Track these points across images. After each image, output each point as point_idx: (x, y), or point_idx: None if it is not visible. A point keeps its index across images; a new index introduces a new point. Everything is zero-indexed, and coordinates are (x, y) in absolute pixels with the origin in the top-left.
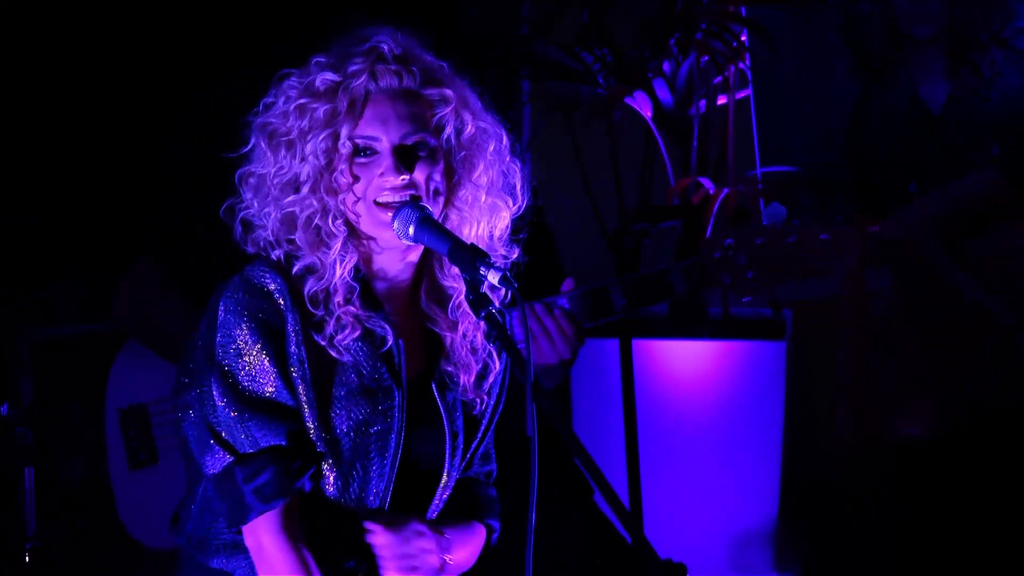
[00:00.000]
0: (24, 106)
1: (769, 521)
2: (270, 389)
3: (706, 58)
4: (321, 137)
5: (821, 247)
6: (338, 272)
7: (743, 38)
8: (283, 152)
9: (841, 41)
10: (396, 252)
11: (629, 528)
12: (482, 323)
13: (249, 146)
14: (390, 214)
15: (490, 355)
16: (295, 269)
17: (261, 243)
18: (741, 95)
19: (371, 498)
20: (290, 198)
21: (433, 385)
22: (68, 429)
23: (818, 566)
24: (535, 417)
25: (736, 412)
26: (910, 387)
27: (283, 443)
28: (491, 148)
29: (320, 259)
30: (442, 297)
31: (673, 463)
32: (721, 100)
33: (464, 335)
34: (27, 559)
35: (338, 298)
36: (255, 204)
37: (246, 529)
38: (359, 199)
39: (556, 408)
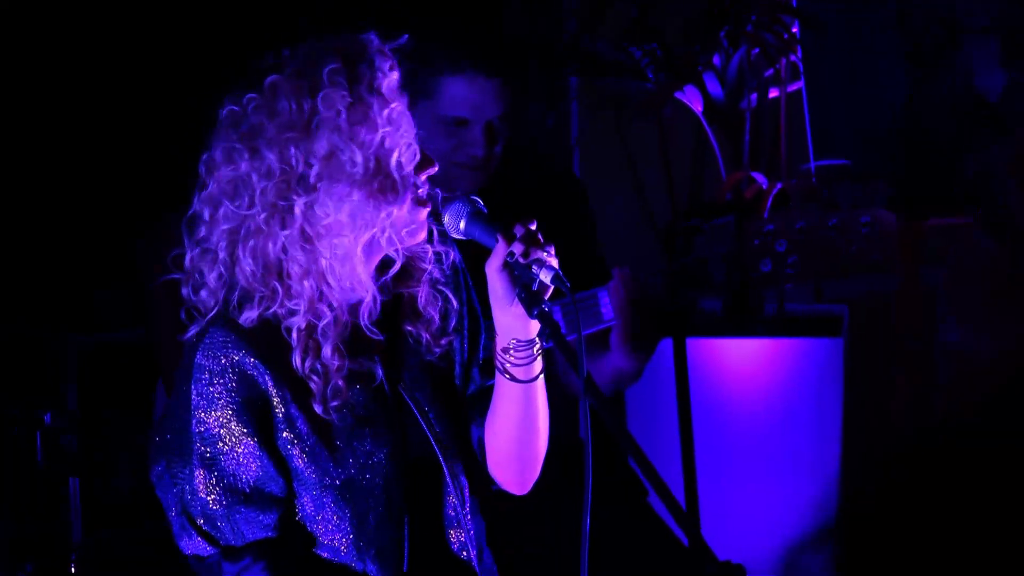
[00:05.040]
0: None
1: (829, 523)
2: (256, 473)
3: (757, 51)
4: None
5: (862, 231)
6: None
7: (794, 30)
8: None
9: (894, 32)
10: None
11: (686, 529)
12: (436, 259)
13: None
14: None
15: (447, 298)
16: (283, 324)
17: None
18: (793, 88)
19: (390, 525)
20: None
21: (403, 391)
22: (115, 437)
23: (880, 569)
24: (588, 417)
25: (793, 411)
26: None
27: (270, 535)
28: None
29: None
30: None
31: (729, 463)
32: (773, 93)
33: (432, 283)
34: (72, 569)
35: (327, 352)
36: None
37: None
38: None
39: (610, 408)
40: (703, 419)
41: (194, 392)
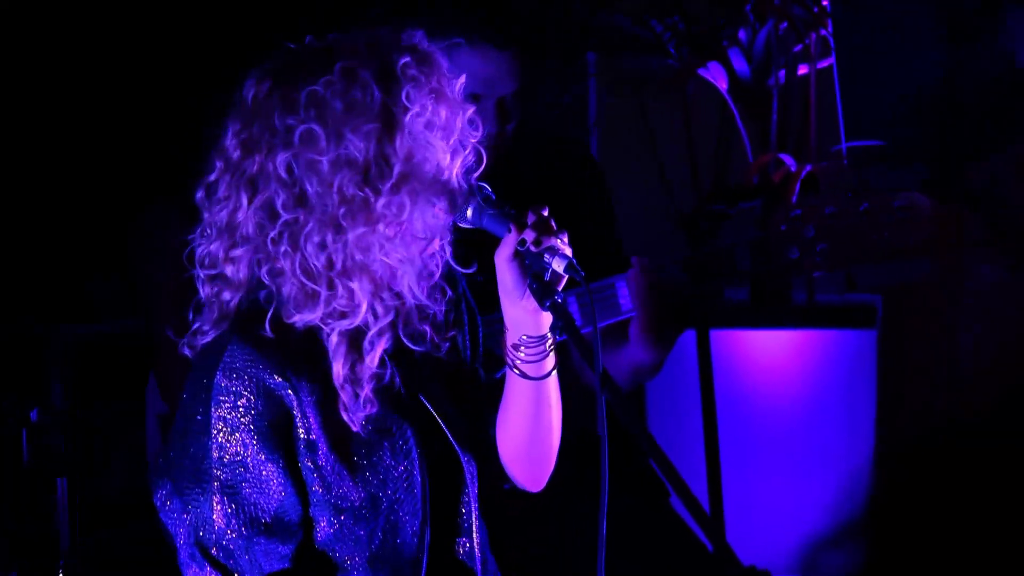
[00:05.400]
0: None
1: (858, 526)
2: (278, 501)
3: (785, 25)
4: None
5: (895, 216)
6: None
7: (824, 2)
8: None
9: (930, 4)
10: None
11: (709, 534)
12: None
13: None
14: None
15: (444, 291)
16: (325, 328)
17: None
18: (823, 64)
19: (408, 538)
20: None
21: (421, 397)
22: (105, 436)
23: (910, 572)
24: (605, 414)
25: (823, 407)
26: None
27: (287, 567)
28: None
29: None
30: None
31: (755, 462)
32: (802, 70)
33: (430, 275)
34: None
35: (372, 360)
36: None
37: None
38: None
39: (628, 404)
40: (728, 415)
41: (214, 415)
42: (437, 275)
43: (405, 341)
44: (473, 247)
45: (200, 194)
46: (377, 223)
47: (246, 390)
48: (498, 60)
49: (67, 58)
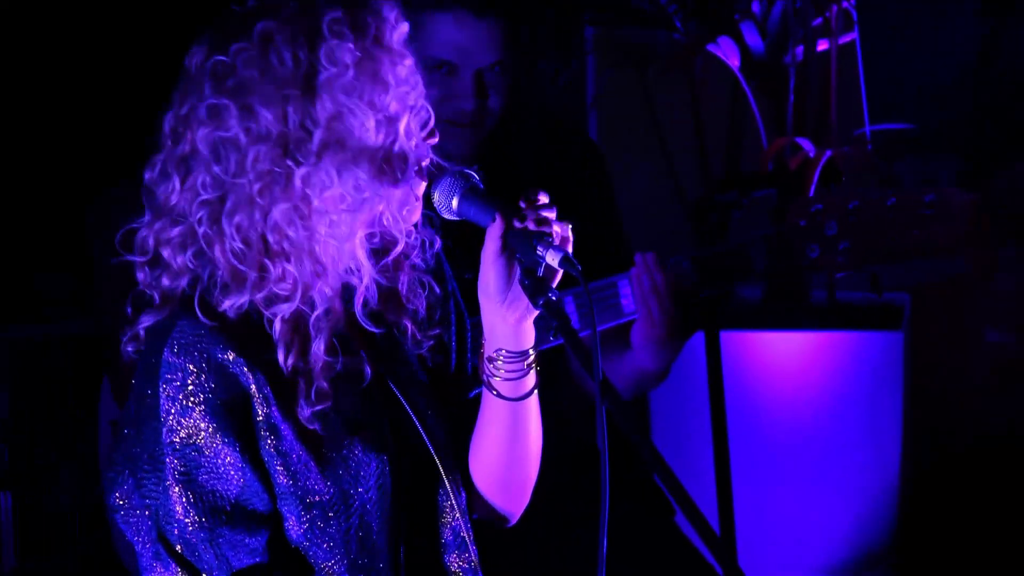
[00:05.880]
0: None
1: (886, 541)
2: (239, 488)
3: None
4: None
5: (925, 212)
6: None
7: None
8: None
9: None
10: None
11: (719, 555)
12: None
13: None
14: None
15: (430, 287)
16: (267, 314)
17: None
18: (845, 39)
19: (387, 545)
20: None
21: (392, 386)
22: (54, 446)
23: None
24: (605, 424)
25: (846, 415)
26: None
27: (259, 561)
28: None
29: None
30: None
31: (769, 477)
32: (822, 46)
33: (412, 269)
34: None
35: (319, 347)
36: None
37: None
38: None
39: (631, 413)
40: (739, 424)
41: (163, 395)
42: (398, 250)
43: (364, 323)
44: (465, 244)
45: (148, 173)
46: (303, 198)
47: (195, 366)
48: (475, 27)
49: (9, 38)
